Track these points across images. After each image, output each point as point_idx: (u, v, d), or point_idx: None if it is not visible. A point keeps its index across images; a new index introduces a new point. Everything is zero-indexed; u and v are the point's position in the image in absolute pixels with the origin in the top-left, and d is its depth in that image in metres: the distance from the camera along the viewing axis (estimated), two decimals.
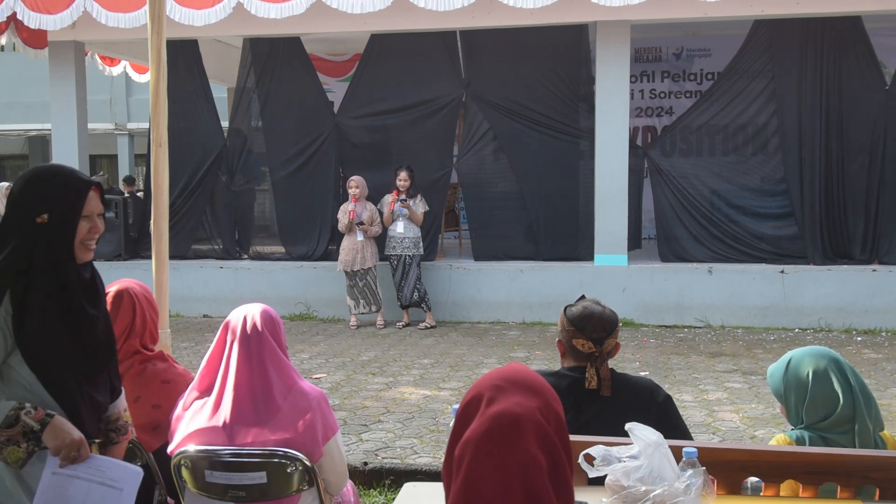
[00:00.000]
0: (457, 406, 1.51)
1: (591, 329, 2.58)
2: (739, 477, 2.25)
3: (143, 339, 2.99)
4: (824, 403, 2.41)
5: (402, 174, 8.57)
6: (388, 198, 8.66)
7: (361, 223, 8.59)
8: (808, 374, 2.43)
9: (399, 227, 8.62)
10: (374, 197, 8.88)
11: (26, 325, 2.19)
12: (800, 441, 2.40)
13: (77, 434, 2.23)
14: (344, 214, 8.72)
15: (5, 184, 12.46)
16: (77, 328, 2.28)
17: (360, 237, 8.62)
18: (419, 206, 8.68)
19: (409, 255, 8.63)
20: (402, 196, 8.54)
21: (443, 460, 1.50)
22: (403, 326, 8.75)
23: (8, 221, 2.28)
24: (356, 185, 8.71)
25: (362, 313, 8.84)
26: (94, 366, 2.37)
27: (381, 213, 8.75)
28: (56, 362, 2.26)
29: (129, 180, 13.95)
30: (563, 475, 1.40)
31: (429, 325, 8.68)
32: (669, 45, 11.79)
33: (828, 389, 2.41)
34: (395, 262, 8.68)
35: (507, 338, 8.21)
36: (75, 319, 2.27)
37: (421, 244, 8.72)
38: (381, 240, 8.83)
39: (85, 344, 2.29)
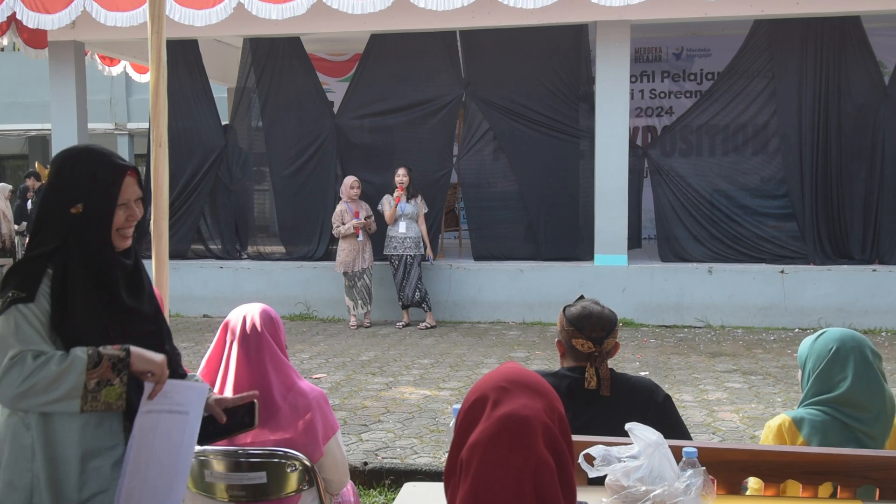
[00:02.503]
0: (457, 406, 1.51)
1: (591, 329, 2.58)
2: (739, 477, 2.25)
3: None
4: (831, 377, 2.44)
5: (401, 170, 8.58)
6: (389, 197, 8.66)
7: (369, 216, 8.61)
8: (831, 349, 2.47)
9: (401, 227, 8.61)
10: (374, 197, 8.87)
11: (66, 321, 2.09)
12: (797, 421, 2.42)
13: (159, 356, 2.16)
14: (339, 218, 8.70)
15: (4, 184, 12.47)
16: (118, 321, 2.17)
17: (360, 237, 8.62)
18: (421, 207, 8.68)
19: (410, 255, 8.63)
20: (364, 215, 8.61)
21: (445, 463, 1.49)
22: (403, 326, 8.75)
23: (43, 210, 2.17)
24: (358, 185, 8.73)
25: (361, 313, 8.86)
26: None
27: (379, 213, 8.76)
28: None
29: (38, 176, 12.70)
30: (569, 475, 1.40)
31: (429, 325, 8.68)
32: (669, 45, 11.78)
33: (840, 366, 2.44)
34: (397, 262, 8.67)
35: (507, 338, 8.21)
36: (116, 312, 2.17)
37: (422, 244, 8.71)
38: (377, 239, 8.84)
39: (128, 337, 2.17)
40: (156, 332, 2.26)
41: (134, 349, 2.11)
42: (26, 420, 2.07)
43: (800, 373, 2.59)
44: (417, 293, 8.67)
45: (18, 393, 1.99)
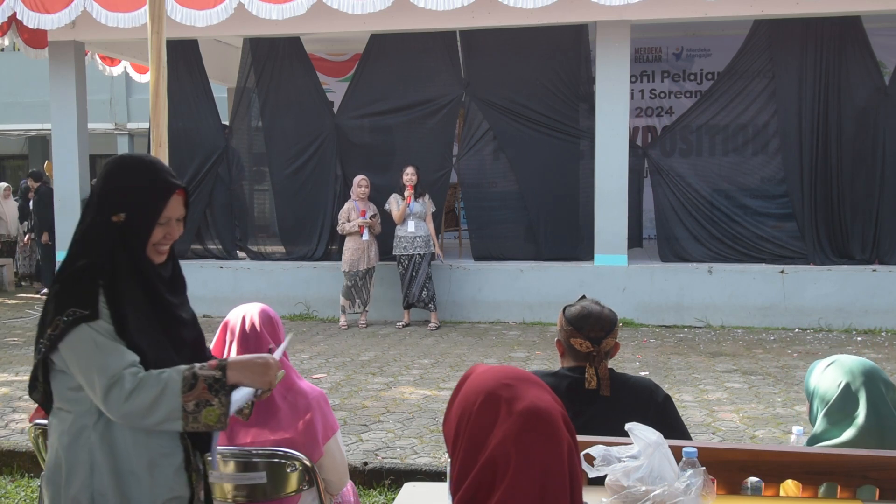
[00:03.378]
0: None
1: (589, 328, 2.59)
2: (739, 477, 2.25)
3: None
4: (842, 416, 2.32)
5: (410, 169, 8.57)
6: (397, 196, 8.64)
7: (374, 216, 8.62)
8: (840, 384, 2.33)
9: (410, 227, 8.59)
10: (374, 197, 8.88)
11: (126, 335, 2.02)
12: None
13: (261, 356, 2.11)
14: (345, 215, 8.71)
15: (3, 184, 12.48)
16: (170, 328, 2.12)
17: (365, 236, 8.62)
18: (428, 206, 8.66)
19: (419, 255, 8.61)
20: (370, 213, 8.60)
21: (449, 467, 1.48)
22: (403, 326, 8.75)
23: (87, 214, 2.12)
24: (367, 184, 8.72)
25: (356, 313, 8.85)
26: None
27: (385, 212, 8.75)
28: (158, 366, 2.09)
29: (36, 176, 12.25)
30: (579, 459, 1.44)
31: (436, 326, 8.68)
32: (669, 45, 11.78)
33: (852, 405, 2.30)
34: (406, 262, 8.63)
35: (507, 338, 8.21)
36: (167, 320, 2.12)
37: (431, 243, 8.70)
38: (385, 240, 8.82)
39: (180, 344, 2.13)
40: (201, 336, 2.23)
41: (230, 364, 2.05)
42: (85, 435, 2.03)
43: (808, 405, 2.46)
44: (425, 292, 8.65)
45: (122, 414, 1.96)
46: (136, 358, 2.00)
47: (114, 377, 1.95)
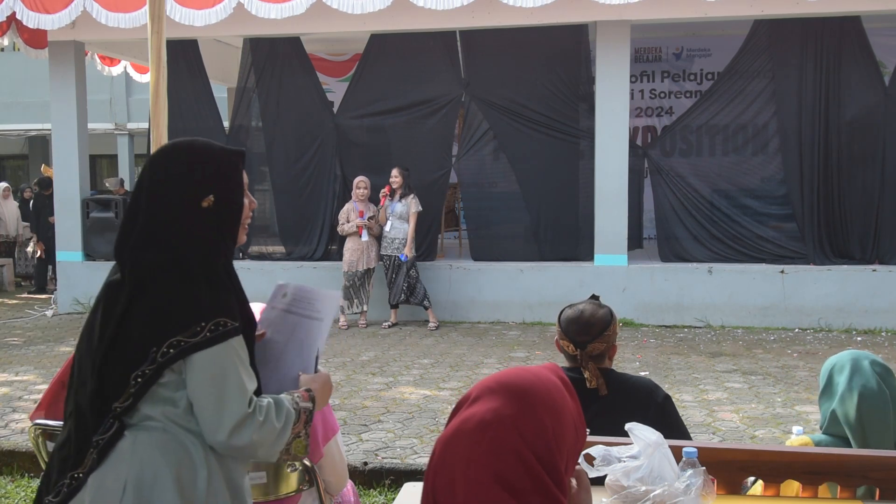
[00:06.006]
0: None
1: (574, 332, 2.60)
2: (739, 477, 2.25)
3: None
4: (831, 389, 2.43)
5: (393, 172, 8.58)
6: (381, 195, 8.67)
7: (372, 217, 8.63)
8: (832, 365, 2.46)
9: (387, 227, 8.62)
10: (375, 198, 8.88)
11: (251, 346, 1.92)
12: (820, 444, 2.40)
13: (323, 375, 2.13)
14: (345, 216, 8.72)
15: (3, 184, 12.49)
16: (252, 331, 2.01)
17: (364, 237, 8.62)
18: (412, 206, 8.66)
19: (397, 257, 8.62)
20: (368, 215, 8.62)
21: None
22: (390, 326, 8.75)
23: (165, 212, 1.90)
24: (366, 185, 8.73)
25: (354, 313, 8.86)
26: None
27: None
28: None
29: (45, 184, 11.69)
30: (523, 486, 1.25)
31: (436, 325, 8.68)
32: (669, 45, 11.78)
33: (838, 375, 2.42)
34: (387, 262, 8.69)
35: (507, 338, 8.21)
36: (249, 321, 1.99)
37: (412, 246, 8.67)
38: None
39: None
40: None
41: (317, 394, 2.01)
42: (197, 454, 1.87)
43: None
44: (404, 295, 8.66)
45: (247, 443, 1.83)
46: (257, 383, 1.91)
47: (251, 404, 1.83)
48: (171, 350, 1.81)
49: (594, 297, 2.77)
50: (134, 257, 1.94)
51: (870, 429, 2.34)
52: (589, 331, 2.59)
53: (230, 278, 1.95)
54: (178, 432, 1.86)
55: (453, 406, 1.37)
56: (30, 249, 12.23)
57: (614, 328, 2.65)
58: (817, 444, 2.40)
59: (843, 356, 2.48)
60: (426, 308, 8.74)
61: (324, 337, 2.21)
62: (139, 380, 1.83)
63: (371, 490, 4.50)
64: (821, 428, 2.49)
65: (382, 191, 8.61)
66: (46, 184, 11.40)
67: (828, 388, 2.46)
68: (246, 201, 2.01)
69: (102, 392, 1.86)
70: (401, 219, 8.59)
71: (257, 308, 2.64)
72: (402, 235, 8.60)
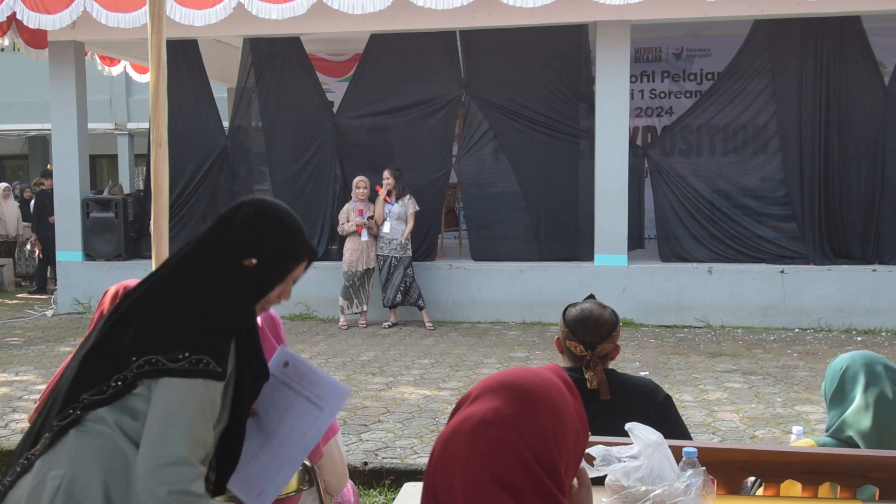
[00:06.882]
0: None
1: (584, 333, 2.58)
2: (739, 477, 2.25)
3: None
4: (843, 394, 2.40)
5: (385, 173, 8.60)
6: (379, 199, 8.67)
7: (371, 217, 8.63)
8: (842, 367, 2.42)
9: (384, 228, 8.61)
10: (375, 197, 8.88)
11: (237, 397, 1.89)
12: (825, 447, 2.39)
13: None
14: (345, 215, 8.72)
15: (3, 184, 12.50)
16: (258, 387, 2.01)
17: (364, 237, 8.62)
18: (409, 206, 8.65)
19: (395, 257, 8.61)
20: (368, 214, 8.60)
21: None
22: (390, 326, 8.75)
23: (215, 251, 1.96)
24: (365, 185, 8.72)
25: (354, 313, 8.85)
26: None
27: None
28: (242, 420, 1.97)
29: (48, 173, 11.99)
30: (521, 486, 1.24)
31: (432, 325, 8.68)
32: (669, 45, 11.78)
33: (851, 382, 2.39)
34: (382, 263, 8.69)
35: (507, 338, 8.21)
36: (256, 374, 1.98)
37: (408, 246, 8.68)
38: None
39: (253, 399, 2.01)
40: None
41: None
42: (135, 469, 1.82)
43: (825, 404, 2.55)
44: (400, 295, 8.66)
45: (162, 495, 1.74)
46: (211, 452, 1.85)
47: (190, 458, 1.76)
48: (147, 366, 1.81)
49: (591, 297, 2.77)
50: (169, 265, 1.99)
51: (887, 436, 2.33)
52: (599, 331, 2.58)
53: (246, 334, 1.94)
54: (124, 444, 1.83)
55: (453, 406, 1.37)
56: (28, 248, 12.25)
57: (619, 328, 2.66)
58: (822, 447, 2.39)
59: (855, 360, 2.43)
60: (420, 308, 8.74)
61: (321, 432, 2.11)
62: (119, 383, 1.83)
63: (371, 490, 4.50)
64: (826, 430, 2.47)
65: (379, 190, 8.60)
66: (50, 173, 11.50)
67: (839, 394, 2.41)
68: (280, 288, 2.03)
69: (78, 380, 1.87)
70: (398, 219, 8.59)
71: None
72: (399, 236, 8.60)
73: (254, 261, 1.94)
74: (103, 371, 1.85)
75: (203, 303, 1.90)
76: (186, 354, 1.81)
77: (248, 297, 1.96)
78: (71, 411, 1.85)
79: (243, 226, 1.98)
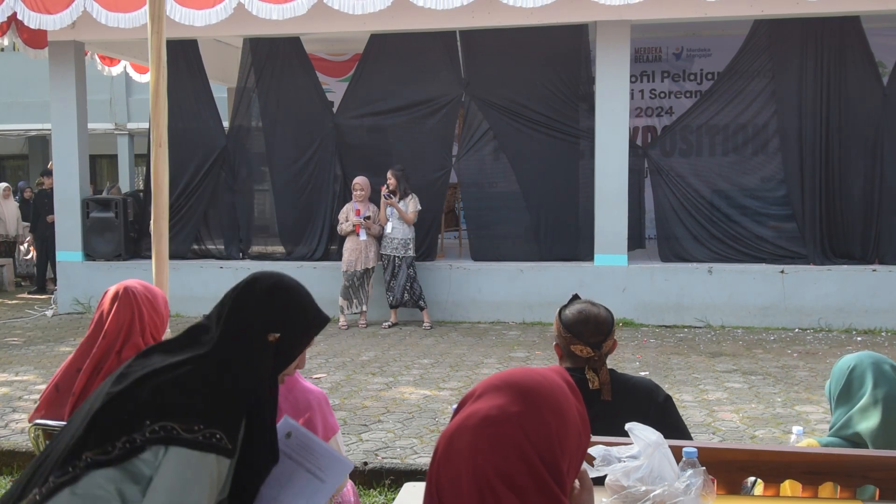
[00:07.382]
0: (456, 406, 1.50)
1: (589, 334, 2.56)
2: (739, 477, 2.25)
3: (145, 337, 2.99)
4: (850, 394, 2.41)
5: (388, 174, 8.61)
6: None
7: (368, 217, 8.62)
8: (849, 366, 2.43)
9: (387, 228, 8.62)
10: (375, 197, 8.88)
11: (243, 473, 1.90)
12: (829, 446, 2.39)
13: None
14: (344, 215, 8.73)
15: (3, 184, 12.50)
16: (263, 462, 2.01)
17: (363, 237, 8.62)
18: (410, 206, 8.66)
19: (398, 257, 8.62)
20: (386, 192, 8.55)
21: None
22: (390, 326, 8.75)
23: (238, 327, 2.00)
24: (361, 187, 8.72)
25: (354, 313, 8.85)
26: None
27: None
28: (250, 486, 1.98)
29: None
30: (524, 483, 1.25)
31: (430, 325, 8.68)
32: (669, 45, 11.78)
33: (858, 382, 2.40)
34: (386, 262, 8.69)
35: (507, 338, 8.21)
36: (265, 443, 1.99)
37: (411, 245, 8.68)
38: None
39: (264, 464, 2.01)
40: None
41: None
42: None
43: (829, 404, 2.56)
44: (406, 294, 8.67)
45: None
46: None
47: None
48: (163, 432, 1.78)
49: (576, 297, 2.75)
50: (187, 335, 2.04)
51: (894, 434, 2.33)
52: (601, 330, 2.58)
53: (262, 411, 1.95)
54: None
55: (453, 406, 1.37)
56: (23, 248, 12.25)
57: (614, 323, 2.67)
58: (826, 447, 2.39)
59: (863, 359, 2.44)
60: (422, 309, 8.74)
61: (320, 502, 2.08)
62: (127, 445, 1.78)
63: (371, 490, 4.50)
64: (830, 428, 2.47)
65: (383, 191, 8.60)
66: (50, 172, 11.49)
67: (846, 393, 2.42)
68: (299, 358, 2.13)
69: (84, 438, 1.81)
70: (401, 219, 8.60)
71: None
72: (402, 236, 8.61)
73: (277, 335, 2.01)
74: (112, 431, 1.80)
75: (223, 377, 1.90)
76: (201, 426, 1.79)
77: (271, 370, 2.00)
78: (71, 469, 1.78)
79: (263, 302, 2.06)
